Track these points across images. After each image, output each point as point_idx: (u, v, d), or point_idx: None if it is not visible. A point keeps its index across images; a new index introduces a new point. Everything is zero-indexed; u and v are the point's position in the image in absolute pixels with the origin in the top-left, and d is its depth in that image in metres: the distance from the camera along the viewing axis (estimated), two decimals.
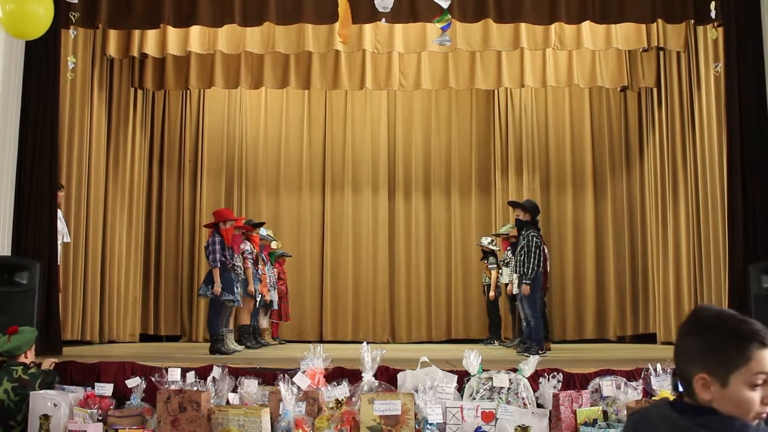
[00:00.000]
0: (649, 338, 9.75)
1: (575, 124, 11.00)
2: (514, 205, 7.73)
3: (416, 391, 4.32)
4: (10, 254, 6.26)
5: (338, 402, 4.23)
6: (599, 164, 10.88)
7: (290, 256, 10.28)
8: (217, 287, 7.18)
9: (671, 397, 4.26)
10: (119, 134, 9.43)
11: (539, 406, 4.40)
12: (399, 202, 11.06)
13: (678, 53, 8.88)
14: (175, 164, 10.80)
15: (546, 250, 7.56)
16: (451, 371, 4.62)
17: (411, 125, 11.19)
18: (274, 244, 9.52)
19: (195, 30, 8.45)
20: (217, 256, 7.24)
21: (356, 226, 11.02)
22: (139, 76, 9.71)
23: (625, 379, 4.54)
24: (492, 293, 9.41)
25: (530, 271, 7.01)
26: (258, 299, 8.46)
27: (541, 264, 7.11)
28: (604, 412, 4.38)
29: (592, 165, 10.88)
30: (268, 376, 4.70)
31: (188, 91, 10.61)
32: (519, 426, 4.12)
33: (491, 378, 4.41)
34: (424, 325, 10.84)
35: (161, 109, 10.76)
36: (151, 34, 8.59)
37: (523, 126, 11.01)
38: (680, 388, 1.78)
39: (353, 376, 4.56)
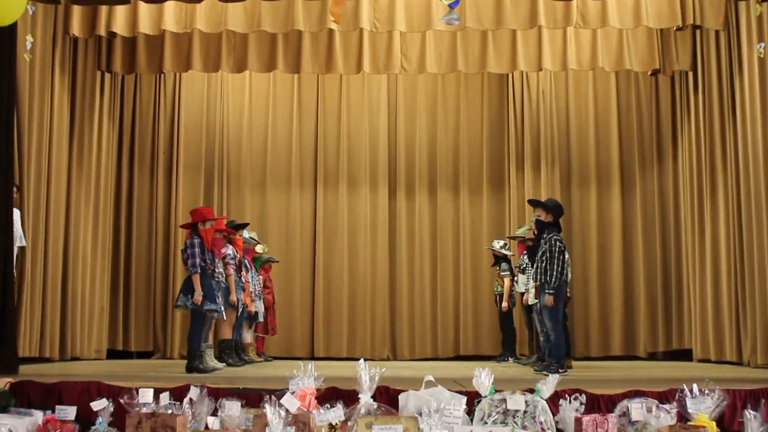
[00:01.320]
0: (684, 355, 9.76)
1: (600, 113, 11.00)
2: (535, 204, 7.71)
3: (420, 414, 4.32)
4: None
5: (332, 427, 4.23)
6: (627, 157, 10.88)
7: (277, 261, 10.29)
8: (198, 295, 7.12)
9: (709, 423, 4.24)
10: (84, 124, 9.42)
11: (559, 431, 4.39)
12: (400, 201, 11.06)
13: (717, 32, 8.88)
14: (148, 157, 10.80)
15: (568, 256, 7.55)
16: (460, 392, 4.63)
17: (414, 114, 11.18)
18: (259, 248, 9.53)
19: (170, 6, 8.45)
20: (197, 260, 7.18)
21: (352, 228, 11.02)
22: (106, 57, 9.69)
23: (656, 402, 4.55)
24: (505, 304, 9.42)
25: (553, 279, 6.99)
26: (241, 310, 8.45)
27: (565, 271, 7.10)
28: None
29: (619, 158, 10.89)
30: (252, 398, 4.70)
31: (162, 75, 10.61)
32: None
33: (505, 400, 4.41)
34: (429, 339, 10.84)
35: (131, 95, 10.76)
36: (120, 11, 8.58)
37: (540, 114, 11.00)
38: None
39: (349, 398, 4.57)
